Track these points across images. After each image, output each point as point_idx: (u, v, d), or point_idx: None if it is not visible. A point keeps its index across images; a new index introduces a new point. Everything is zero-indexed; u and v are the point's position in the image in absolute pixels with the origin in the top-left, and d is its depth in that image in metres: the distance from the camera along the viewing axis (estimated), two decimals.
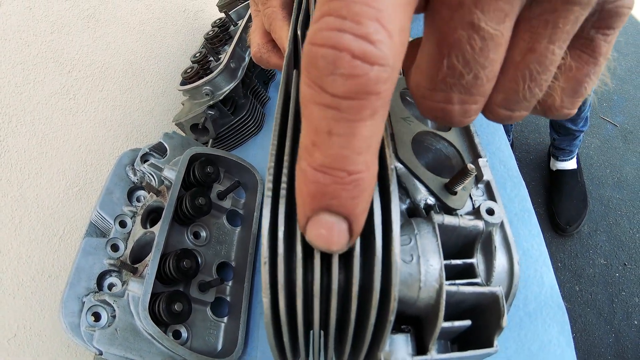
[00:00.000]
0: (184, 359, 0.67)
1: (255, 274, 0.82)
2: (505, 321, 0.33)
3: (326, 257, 0.27)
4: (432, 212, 0.37)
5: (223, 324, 0.76)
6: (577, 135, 1.87)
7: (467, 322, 0.35)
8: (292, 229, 0.27)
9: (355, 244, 0.25)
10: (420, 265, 0.33)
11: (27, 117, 0.89)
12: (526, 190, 0.66)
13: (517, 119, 0.25)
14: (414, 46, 0.25)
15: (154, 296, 0.66)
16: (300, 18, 0.44)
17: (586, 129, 1.86)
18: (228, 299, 0.78)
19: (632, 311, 1.65)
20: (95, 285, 0.71)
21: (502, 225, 0.40)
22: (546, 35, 0.20)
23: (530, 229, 0.61)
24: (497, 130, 0.73)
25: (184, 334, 0.70)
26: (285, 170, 0.28)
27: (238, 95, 1.05)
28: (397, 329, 0.36)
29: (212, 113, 0.99)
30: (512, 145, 2.19)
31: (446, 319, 0.33)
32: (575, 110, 0.25)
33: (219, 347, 0.73)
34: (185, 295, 0.69)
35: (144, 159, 0.86)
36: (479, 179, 0.44)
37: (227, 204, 0.86)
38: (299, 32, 0.43)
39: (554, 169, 2.04)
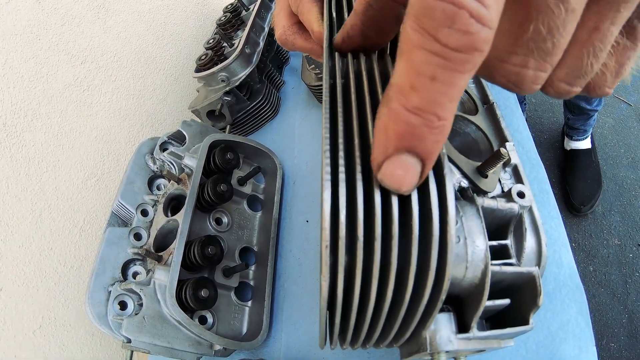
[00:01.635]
0: (210, 344, 0.68)
1: (278, 258, 0.82)
2: (541, 300, 0.34)
3: (384, 243, 0.28)
4: (475, 194, 0.37)
5: (247, 308, 0.76)
6: (591, 114, 1.85)
7: (506, 301, 0.36)
8: (352, 214, 0.27)
9: (414, 226, 0.26)
10: (467, 246, 0.34)
11: (42, 111, 0.89)
12: (545, 172, 0.66)
13: (572, 94, 0.27)
14: None
15: (180, 283, 0.66)
16: (333, 1, 0.45)
17: (600, 108, 1.84)
18: (252, 283, 0.79)
19: None
20: (120, 274, 0.71)
21: (530, 208, 0.40)
22: (610, 17, 0.22)
23: (550, 210, 0.62)
24: (515, 112, 0.73)
25: (210, 319, 0.71)
26: (341, 153, 0.28)
27: (253, 80, 1.04)
28: (440, 310, 0.36)
29: (228, 99, 0.99)
30: None
31: (488, 298, 0.34)
32: (612, 89, 0.27)
33: (244, 330, 0.74)
34: (211, 282, 0.69)
35: (163, 147, 0.86)
36: (506, 162, 0.44)
37: (247, 189, 0.86)
38: (334, 15, 0.43)
39: (568, 149, 2.02)
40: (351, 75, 0.35)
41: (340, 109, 0.31)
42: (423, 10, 0.19)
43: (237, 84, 0.98)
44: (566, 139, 2.04)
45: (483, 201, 0.37)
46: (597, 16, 0.23)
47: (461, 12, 0.18)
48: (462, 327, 0.35)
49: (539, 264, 0.38)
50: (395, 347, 0.39)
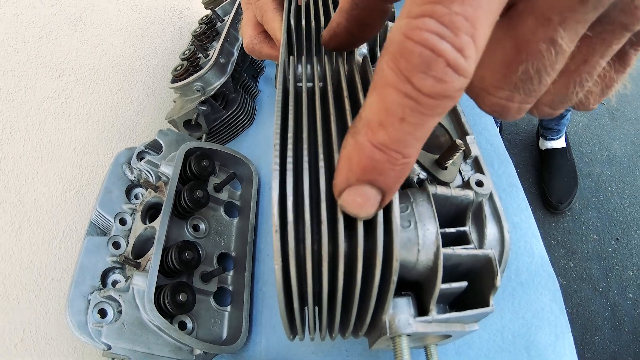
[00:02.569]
0: (191, 349, 0.68)
1: (255, 263, 0.83)
2: (499, 280, 0.35)
3: (332, 226, 0.29)
4: (426, 182, 0.39)
5: (227, 313, 0.77)
6: (564, 114, 1.90)
7: (463, 283, 0.37)
8: (299, 200, 0.29)
9: None
10: (417, 230, 0.35)
11: (20, 123, 0.89)
12: (513, 167, 0.67)
13: (555, 115, 0.28)
14: None
15: (158, 289, 0.67)
16: (293, 8, 0.47)
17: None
18: (230, 288, 0.80)
19: (626, 284, 1.68)
20: (100, 282, 0.72)
21: (491, 197, 0.42)
22: (600, 51, 0.23)
23: (519, 203, 0.63)
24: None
25: (189, 325, 0.71)
26: (290, 146, 0.30)
27: (228, 90, 1.05)
28: (398, 295, 0.38)
29: (204, 109, 1.00)
30: (500, 128, 2.20)
31: (444, 281, 0.35)
32: (596, 107, 0.29)
33: (224, 335, 0.75)
34: (189, 286, 0.70)
35: (140, 156, 0.87)
36: (467, 154, 0.46)
37: (223, 196, 0.87)
38: (292, 22, 0.46)
39: (543, 148, 2.06)
40: (303, 80, 0.37)
41: (291, 106, 0.33)
42: (400, 51, 0.20)
43: (212, 93, 1.00)
44: (541, 139, 2.09)
45: (436, 189, 0.38)
46: (587, 50, 0.23)
47: (439, 59, 0.19)
48: (422, 311, 0.37)
49: (502, 250, 0.40)
50: (361, 336, 0.41)
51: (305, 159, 0.30)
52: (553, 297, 0.54)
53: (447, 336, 0.41)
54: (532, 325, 0.53)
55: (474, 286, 0.38)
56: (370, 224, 0.29)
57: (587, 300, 1.66)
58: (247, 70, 1.17)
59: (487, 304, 0.36)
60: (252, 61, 1.21)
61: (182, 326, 0.71)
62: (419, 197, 0.37)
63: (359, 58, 0.44)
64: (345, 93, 0.36)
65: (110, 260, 0.74)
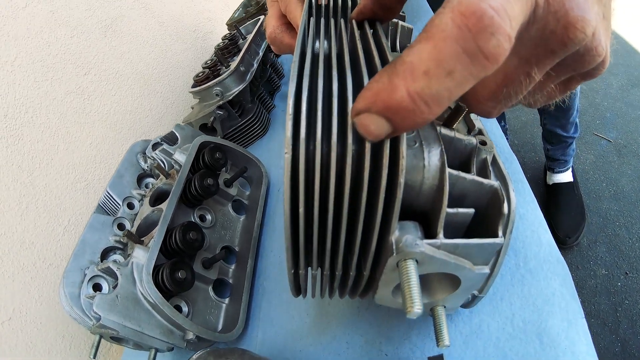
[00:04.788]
0: (182, 334, 0.66)
1: (259, 258, 0.82)
2: (505, 207, 0.35)
3: (341, 127, 0.31)
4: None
5: (224, 305, 0.75)
6: (569, 142, 1.92)
7: (470, 210, 0.36)
8: (313, 97, 0.31)
9: None
10: (423, 149, 0.35)
11: (42, 111, 0.92)
12: (518, 163, 0.68)
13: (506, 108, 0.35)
14: None
15: (157, 268, 0.66)
16: None
17: (577, 135, 1.91)
18: (230, 281, 0.78)
19: (636, 319, 1.62)
20: (99, 259, 0.71)
21: (495, 161, 0.42)
22: (551, 80, 0.31)
23: (525, 196, 0.63)
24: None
25: (185, 309, 0.69)
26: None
27: (245, 99, 1.08)
28: (405, 220, 0.36)
29: (221, 113, 1.01)
30: None
31: (451, 207, 0.34)
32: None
33: (219, 327, 0.72)
34: (188, 265, 0.68)
35: (156, 147, 0.87)
36: (471, 128, 0.46)
37: (233, 191, 0.87)
38: (313, 1, 0.50)
39: (551, 183, 2.06)
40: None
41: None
42: (473, 10, 0.22)
43: (230, 98, 1.02)
44: (548, 173, 2.09)
45: (440, 128, 0.38)
46: (543, 79, 0.31)
47: (504, 25, 0.22)
48: (430, 236, 0.35)
49: (509, 208, 0.38)
50: (365, 278, 0.39)
51: (321, 72, 0.31)
52: (563, 282, 0.52)
53: (454, 284, 0.39)
54: (543, 311, 0.51)
55: (482, 219, 0.37)
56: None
57: (597, 336, 1.59)
58: (264, 85, 1.20)
59: (495, 234, 0.35)
60: (270, 78, 1.25)
61: (177, 309, 0.69)
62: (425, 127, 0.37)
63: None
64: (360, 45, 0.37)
65: (113, 240, 0.73)
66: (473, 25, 0.22)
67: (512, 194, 0.38)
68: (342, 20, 0.47)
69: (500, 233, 0.35)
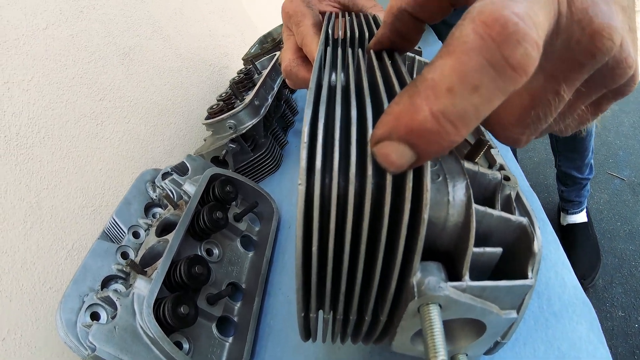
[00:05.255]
0: None
1: (266, 296, 0.79)
2: (536, 246, 0.33)
3: (361, 161, 0.29)
4: (454, 150, 0.37)
5: (228, 344, 0.71)
6: (584, 183, 1.90)
7: (498, 249, 0.34)
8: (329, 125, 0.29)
9: None
10: (447, 182, 0.33)
11: (55, 132, 0.92)
12: (538, 201, 0.66)
13: (537, 137, 0.33)
14: None
15: (159, 301, 0.63)
16: (331, 24, 0.52)
17: (592, 176, 1.89)
18: (235, 319, 0.75)
19: None
20: (100, 287, 0.68)
21: (518, 197, 0.40)
22: (582, 100, 0.29)
23: (547, 236, 0.60)
24: (507, 152, 0.75)
25: (186, 346, 0.66)
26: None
27: (259, 134, 1.07)
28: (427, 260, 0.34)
29: (233, 146, 1.00)
30: None
31: (477, 246, 0.32)
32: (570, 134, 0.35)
33: None
34: (192, 300, 0.66)
35: (165, 177, 0.86)
36: (492, 164, 0.45)
37: (242, 226, 0.85)
38: (330, 31, 0.50)
39: (565, 224, 2.02)
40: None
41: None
42: (496, 18, 0.21)
43: (243, 132, 1.01)
44: (562, 214, 2.06)
45: (464, 161, 0.36)
46: (573, 99, 0.28)
47: (531, 33, 0.20)
48: (454, 278, 0.33)
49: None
50: (381, 324, 0.37)
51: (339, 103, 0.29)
52: (590, 326, 0.49)
53: (479, 330, 0.36)
54: (569, 357, 0.48)
55: (508, 259, 0.35)
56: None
57: None
58: (278, 121, 1.20)
59: (525, 276, 0.33)
60: (284, 114, 1.26)
61: (178, 346, 0.65)
62: (447, 157, 0.36)
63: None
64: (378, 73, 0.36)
65: (115, 268, 0.71)
66: (497, 34, 0.20)
67: (539, 232, 0.36)
68: (359, 51, 0.46)
69: (530, 274, 0.33)
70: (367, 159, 0.28)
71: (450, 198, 0.32)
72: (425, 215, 0.27)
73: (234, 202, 0.87)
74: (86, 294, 0.66)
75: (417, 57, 0.66)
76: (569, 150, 1.85)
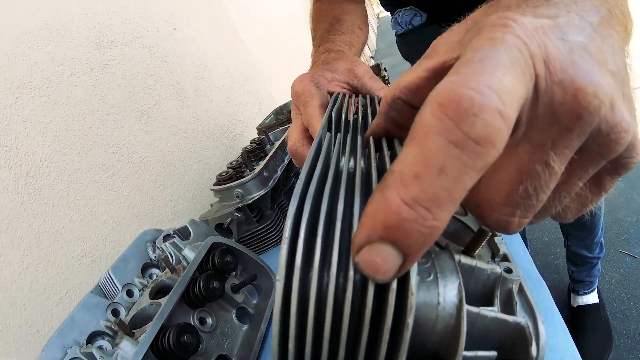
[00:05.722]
0: None
1: None
2: (534, 349, 0.31)
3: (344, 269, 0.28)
4: (449, 245, 0.37)
5: None
6: (594, 263, 1.85)
7: (492, 353, 0.32)
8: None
9: None
10: (438, 282, 0.32)
11: (64, 178, 0.93)
12: (547, 290, 0.65)
13: (534, 224, 0.32)
14: None
15: None
16: (336, 107, 0.52)
17: (602, 255, 1.84)
18: None
19: None
20: (85, 342, 0.67)
21: (521, 289, 0.38)
22: (578, 174, 0.27)
23: (555, 325, 0.59)
24: (515, 238, 0.74)
25: None
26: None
27: (265, 205, 1.08)
28: None
29: (239, 215, 1.01)
30: None
31: (469, 349, 0.31)
32: (573, 220, 0.33)
33: None
34: None
35: (167, 239, 0.86)
36: (495, 253, 0.44)
37: (239, 298, 0.84)
38: (333, 115, 0.50)
39: (575, 305, 1.95)
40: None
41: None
42: (450, 96, 0.21)
43: (250, 202, 1.02)
44: (572, 295, 1.98)
45: (460, 256, 0.34)
46: (567, 172, 0.27)
47: (488, 102, 0.20)
48: None
49: (537, 343, 0.36)
50: None
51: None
52: None
53: None
54: None
55: (506, 358, 0.33)
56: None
57: None
58: (286, 194, 1.21)
59: None
60: (293, 188, 1.25)
61: None
62: (441, 254, 0.34)
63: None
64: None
65: (104, 325, 0.70)
66: (453, 113, 0.21)
67: (542, 328, 0.34)
68: (359, 138, 0.46)
69: None
70: (350, 258, 0.27)
71: (440, 299, 0.31)
72: (410, 320, 0.26)
73: (233, 273, 0.87)
74: (70, 346, 0.65)
75: None
76: (578, 229, 1.82)
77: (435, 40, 0.33)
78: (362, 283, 0.28)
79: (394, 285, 0.26)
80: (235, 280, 0.86)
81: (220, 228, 1.03)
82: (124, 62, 1.21)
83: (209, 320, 0.79)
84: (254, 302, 0.90)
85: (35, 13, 1.00)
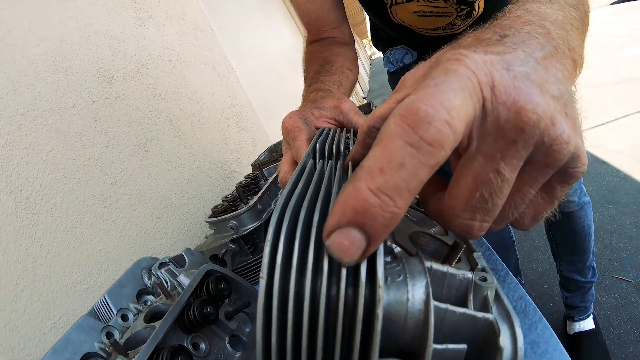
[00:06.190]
0: None
1: None
2: (502, 341, 0.32)
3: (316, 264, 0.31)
4: (419, 252, 0.39)
5: None
6: (587, 287, 1.85)
7: (461, 346, 0.33)
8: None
9: None
10: (407, 281, 0.34)
11: (63, 206, 0.95)
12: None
13: (495, 230, 0.36)
14: (431, 182, 0.37)
15: None
16: (321, 138, 0.57)
17: (595, 279, 1.84)
18: None
19: None
20: None
21: (498, 297, 0.38)
22: (529, 182, 0.32)
23: (531, 318, 0.61)
24: (508, 274, 0.75)
25: None
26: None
27: (260, 237, 1.10)
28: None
29: (233, 247, 1.03)
30: None
31: (439, 342, 0.32)
32: (531, 227, 0.37)
33: None
34: None
35: (162, 267, 0.88)
36: (473, 267, 0.45)
37: (232, 325, 0.85)
38: (317, 145, 0.55)
39: (571, 333, 1.93)
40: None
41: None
42: (410, 109, 0.26)
43: (244, 233, 1.04)
44: (568, 322, 1.97)
45: (431, 262, 0.36)
46: (519, 181, 0.31)
47: (439, 116, 0.26)
48: None
49: (515, 347, 0.36)
50: None
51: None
52: None
53: None
54: None
55: (478, 353, 0.35)
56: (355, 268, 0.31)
57: None
58: None
59: None
60: None
61: None
62: (410, 259, 0.36)
63: None
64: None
65: (98, 347, 0.71)
66: (411, 121, 0.26)
67: (519, 330, 0.34)
68: (339, 164, 0.50)
69: None
70: (323, 256, 0.30)
71: (409, 296, 0.33)
72: (379, 311, 0.29)
73: (227, 300, 0.88)
74: None
75: None
76: (569, 254, 1.84)
77: (403, 76, 0.39)
78: (337, 278, 0.30)
79: (363, 279, 0.29)
80: (228, 308, 0.87)
81: (215, 259, 1.05)
82: (124, 96, 1.25)
83: (203, 346, 0.79)
84: (247, 330, 0.90)
85: (39, 44, 1.04)
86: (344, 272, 0.30)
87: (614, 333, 1.99)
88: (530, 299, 0.64)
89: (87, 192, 1.02)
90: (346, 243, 0.27)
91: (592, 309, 1.97)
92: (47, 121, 0.98)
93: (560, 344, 0.56)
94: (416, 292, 0.34)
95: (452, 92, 0.27)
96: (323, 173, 0.47)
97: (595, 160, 3.33)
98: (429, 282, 0.34)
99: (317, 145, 0.55)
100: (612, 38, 6.62)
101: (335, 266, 0.31)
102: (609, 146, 3.48)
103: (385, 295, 0.33)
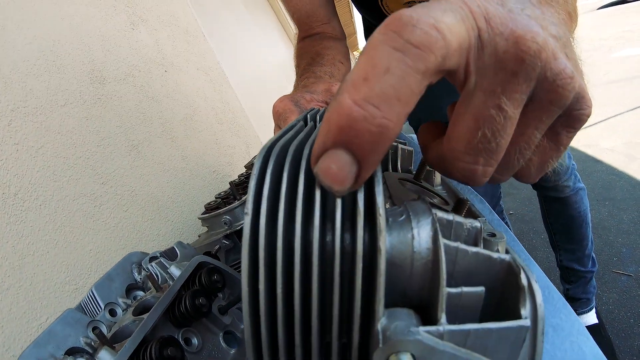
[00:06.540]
0: None
1: None
2: (523, 279, 0.29)
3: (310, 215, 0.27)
4: (422, 197, 0.36)
5: None
6: (588, 277, 1.84)
7: (479, 289, 0.29)
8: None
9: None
10: (410, 219, 0.30)
11: (52, 204, 0.93)
12: (538, 267, 0.62)
13: (501, 181, 0.35)
14: (431, 128, 0.36)
15: None
16: (311, 114, 0.53)
17: (595, 270, 1.84)
18: None
19: None
20: (62, 356, 0.65)
21: (507, 250, 0.35)
22: (533, 124, 0.29)
23: (554, 304, 0.55)
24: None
25: None
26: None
27: None
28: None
29: (227, 243, 1.00)
30: None
31: (454, 286, 0.28)
32: (537, 179, 0.34)
33: None
34: None
35: (152, 261, 0.85)
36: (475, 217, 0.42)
37: (226, 320, 0.82)
38: (308, 115, 0.52)
39: None
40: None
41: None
42: (393, 17, 0.24)
43: (238, 229, 1.01)
44: None
45: (435, 212, 0.32)
46: (523, 123, 0.29)
47: (425, 19, 0.24)
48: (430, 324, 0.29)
49: (534, 306, 0.32)
50: None
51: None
52: None
53: None
54: None
55: (502, 304, 0.31)
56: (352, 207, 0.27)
57: None
58: None
59: (518, 315, 0.28)
60: None
61: None
62: (413, 201, 0.33)
63: None
64: None
65: (84, 341, 0.68)
66: (396, 27, 0.23)
67: (536, 286, 0.29)
68: None
69: (523, 312, 0.28)
70: (315, 189, 0.27)
71: (414, 233, 0.29)
72: (381, 244, 0.25)
73: (221, 294, 0.85)
74: (46, 359, 0.62)
75: (400, 145, 0.65)
76: (568, 242, 1.84)
77: None
78: (332, 215, 0.27)
79: (361, 208, 0.26)
80: (222, 302, 0.83)
81: (208, 255, 1.02)
82: (115, 97, 1.24)
83: (195, 341, 0.76)
84: (242, 326, 0.87)
85: (32, 42, 1.03)
86: (338, 202, 0.27)
87: (618, 327, 1.99)
88: (552, 284, 0.60)
89: (77, 191, 1.00)
90: (334, 167, 0.24)
91: (594, 302, 1.95)
92: (38, 118, 0.97)
93: (586, 329, 0.52)
94: (422, 229, 0.30)
95: (440, 10, 0.25)
96: (315, 127, 0.44)
97: (589, 159, 3.38)
98: (435, 218, 0.31)
99: (308, 115, 0.52)
100: (600, 41, 6.69)
101: (329, 200, 0.28)
102: (602, 145, 3.53)
103: (387, 235, 0.29)
